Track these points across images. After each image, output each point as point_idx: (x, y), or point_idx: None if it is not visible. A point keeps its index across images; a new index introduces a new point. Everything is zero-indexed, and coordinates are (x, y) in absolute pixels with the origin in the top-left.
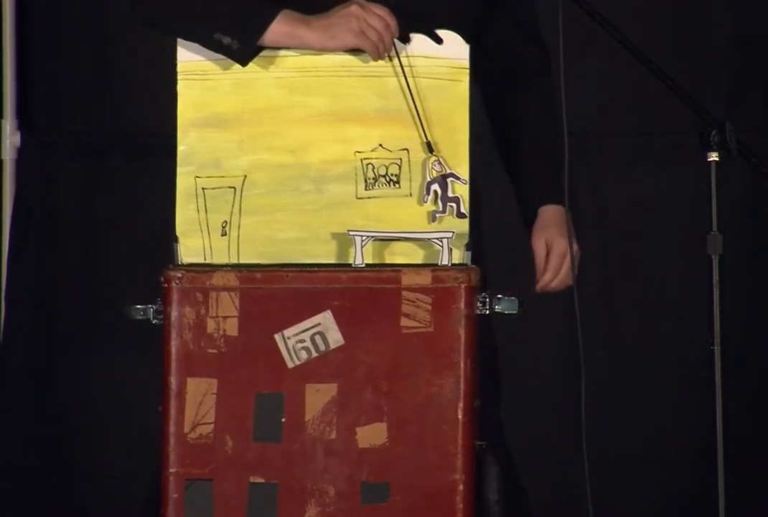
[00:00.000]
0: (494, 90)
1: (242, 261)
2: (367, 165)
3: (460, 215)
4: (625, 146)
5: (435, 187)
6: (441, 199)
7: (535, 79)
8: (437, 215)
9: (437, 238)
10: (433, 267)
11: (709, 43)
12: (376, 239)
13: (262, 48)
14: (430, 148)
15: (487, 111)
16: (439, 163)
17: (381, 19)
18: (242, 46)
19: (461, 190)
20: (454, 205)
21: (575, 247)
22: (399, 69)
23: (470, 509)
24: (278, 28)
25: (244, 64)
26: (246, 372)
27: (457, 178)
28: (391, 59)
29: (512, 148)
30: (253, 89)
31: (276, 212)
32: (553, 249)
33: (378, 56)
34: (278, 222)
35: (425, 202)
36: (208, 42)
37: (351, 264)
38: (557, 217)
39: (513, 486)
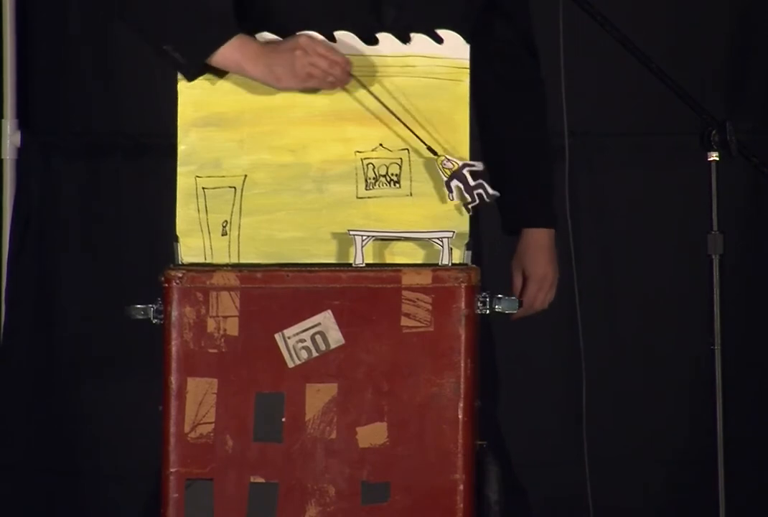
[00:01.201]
0: (488, 102)
1: (242, 261)
2: (367, 165)
3: (491, 197)
4: (625, 146)
5: (455, 183)
6: (466, 192)
7: (530, 93)
8: (470, 206)
9: (437, 238)
10: (433, 267)
11: (708, 42)
12: (377, 239)
13: (210, 66)
14: (433, 151)
15: (479, 120)
16: (449, 160)
17: (324, 58)
18: (189, 62)
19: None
20: (481, 191)
21: (553, 273)
22: (399, 69)
23: (470, 508)
24: (227, 54)
25: (190, 79)
26: (246, 372)
27: (472, 165)
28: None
29: (501, 164)
30: (254, 89)
31: (276, 212)
32: (530, 277)
33: (331, 88)
34: (278, 222)
35: (451, 199)
36: (159, 51)
37: (351, 264)
38: (539, 241)
39: (511, 485)
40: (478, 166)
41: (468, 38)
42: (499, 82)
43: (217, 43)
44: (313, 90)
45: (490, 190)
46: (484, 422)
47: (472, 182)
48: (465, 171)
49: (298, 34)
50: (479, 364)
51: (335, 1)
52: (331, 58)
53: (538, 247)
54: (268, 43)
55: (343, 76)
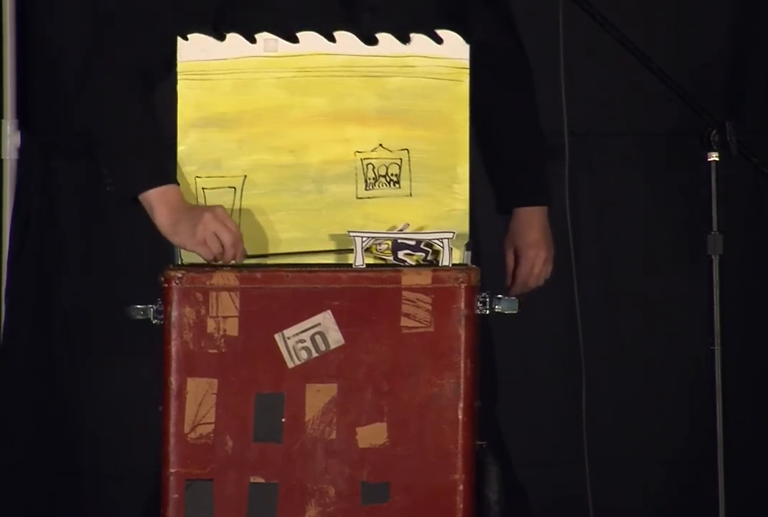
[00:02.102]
0: (478, 90)
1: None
2: (367, 165)
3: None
4: (625, 146)
5: (402, 253)
6: (415, 251)
7: (518, 80)
8: (430, 259)
9: (437, 239)
10: (433, 267)
11: (709, 43)
12: (377, 239)
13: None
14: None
15: (470, 108)
16: (378, 244)
17: (229, 233)
18: (117, 193)
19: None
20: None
21: (546, 250)
22: (399, 69)
23: (470, 508)
24: (148, 196)
25: (119, 206)
26: (246, 372)
27: (401, 230)
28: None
29: (492, 146)
30: (254, 89)
31: (276, 212)
32: (521, 256)
33: (213, 261)
34: (278, 222)
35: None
36: (100, 169)
37: (351, 264)
38: (530, 220)
39: (511, 485)
40: (403, 225)
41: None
42: (487, 72)
43: (143, 187)
44: (313, 91)
45: (429, 235)
46: (484, 422)
47: (411, 242)
48: (398, 241)
49: (215, 205)
50: (479, 364)
51: (307, 6)
52: (236, 236)
53: (529, 226)
54: (191, 207)
55: (234, 256)
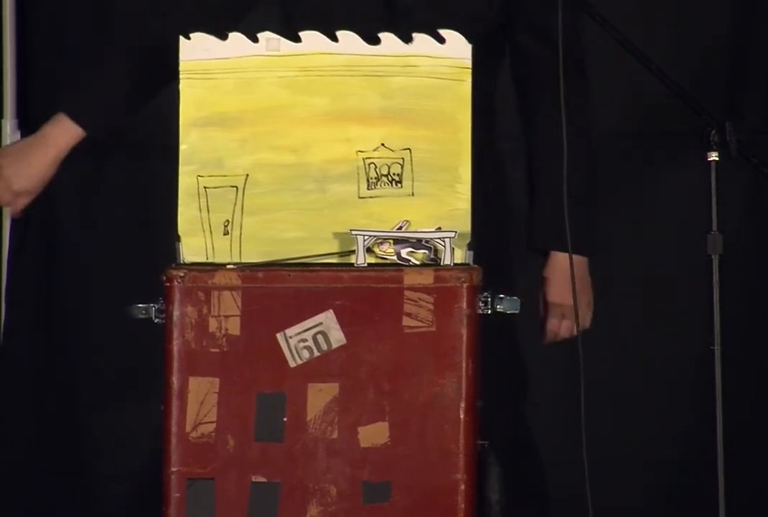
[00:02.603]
0: (528, 105)
1: (244, 260)
2: (369, 164)
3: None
4: (624, 146)
5: (405, 251)
6: (417, 249)
7: (568, 96)
8: (431, 257)
9: (439, 238)
10: (435, 267)
11: (709, 43)
12: (379, 239)
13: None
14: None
15: (522, 123)
16: (380, 244)
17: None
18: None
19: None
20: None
21: (572, 301)
22: (401, 68)
23: (472, 508)
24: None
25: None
26: (248, 371)
27: (399, 227)
28: None
29: (535, 177)
30: (256, 88)
31: (278, 212)
32: (547, 305)
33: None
34: (280, 221)
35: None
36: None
37: (353, 264)
38: (557, 267)
39: (539, 487)
40: (401, 222)
41: (473, 38)
42: (535, 85)
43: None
44: (315, 90)
45: (427, 230)
46: (516, 423)
47: (413, 240)
48: (399, 240)
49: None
50: (480, 364)
51: (347, 6)
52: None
53: (554, 274)
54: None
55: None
